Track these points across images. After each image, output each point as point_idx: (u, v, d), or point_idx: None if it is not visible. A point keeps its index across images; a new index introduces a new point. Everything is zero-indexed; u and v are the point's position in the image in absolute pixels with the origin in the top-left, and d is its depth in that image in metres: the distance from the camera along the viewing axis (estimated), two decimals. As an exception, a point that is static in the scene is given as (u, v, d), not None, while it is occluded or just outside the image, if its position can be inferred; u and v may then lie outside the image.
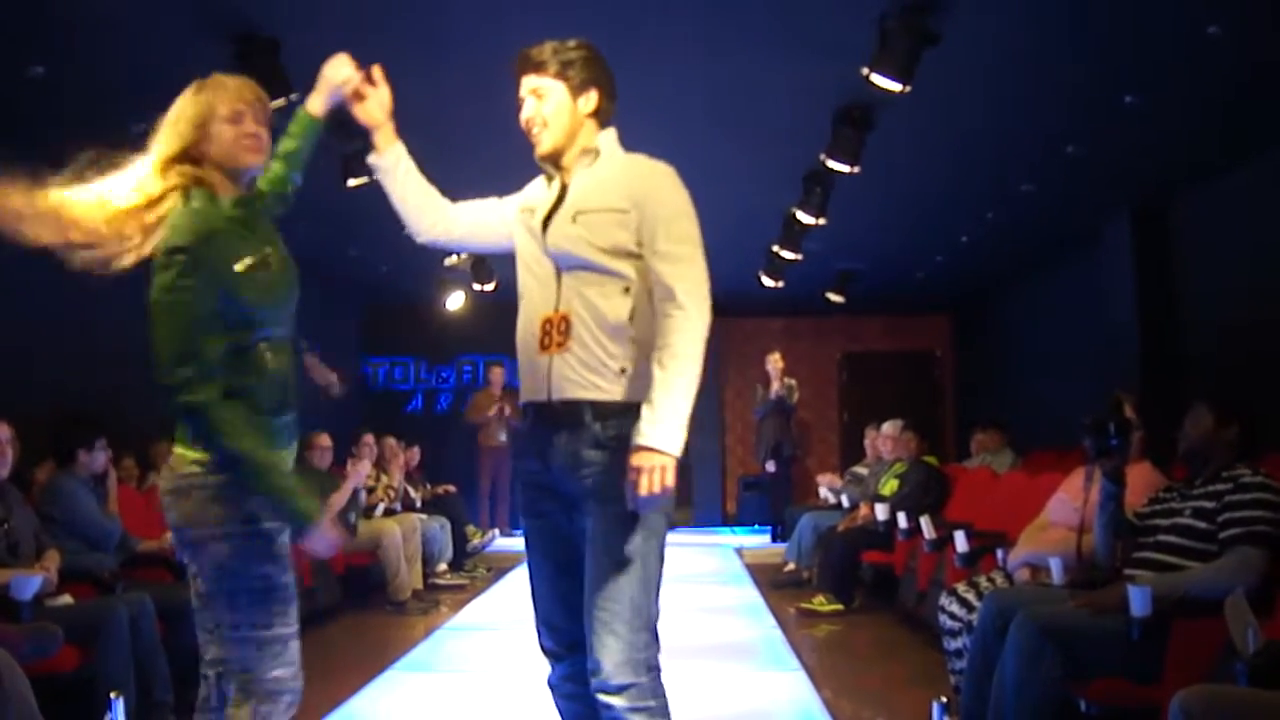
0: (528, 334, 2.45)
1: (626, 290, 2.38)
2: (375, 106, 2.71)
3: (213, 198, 2.27)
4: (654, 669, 2.36)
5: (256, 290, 2.23)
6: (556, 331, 2.38)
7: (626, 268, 2.38)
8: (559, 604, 2.47)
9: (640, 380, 2.33)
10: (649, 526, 2.33)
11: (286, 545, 2.25)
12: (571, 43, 2.54)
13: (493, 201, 2.76)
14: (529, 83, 2.52)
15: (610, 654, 2.30)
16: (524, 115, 2.52)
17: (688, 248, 2.37)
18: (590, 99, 2.50)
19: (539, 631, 2.52)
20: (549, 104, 2.48)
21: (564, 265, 2.42)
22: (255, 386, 2.23)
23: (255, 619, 2.18)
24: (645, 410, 2.26)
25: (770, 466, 10.74)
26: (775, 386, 10.62)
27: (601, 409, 2.34)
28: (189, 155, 2.31)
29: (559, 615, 2.47)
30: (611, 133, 2.57)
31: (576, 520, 2.39)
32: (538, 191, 2.61)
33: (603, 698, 2.31)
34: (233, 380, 2.20)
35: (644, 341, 2.36)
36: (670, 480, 2.23)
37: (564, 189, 2.50)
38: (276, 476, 2.19)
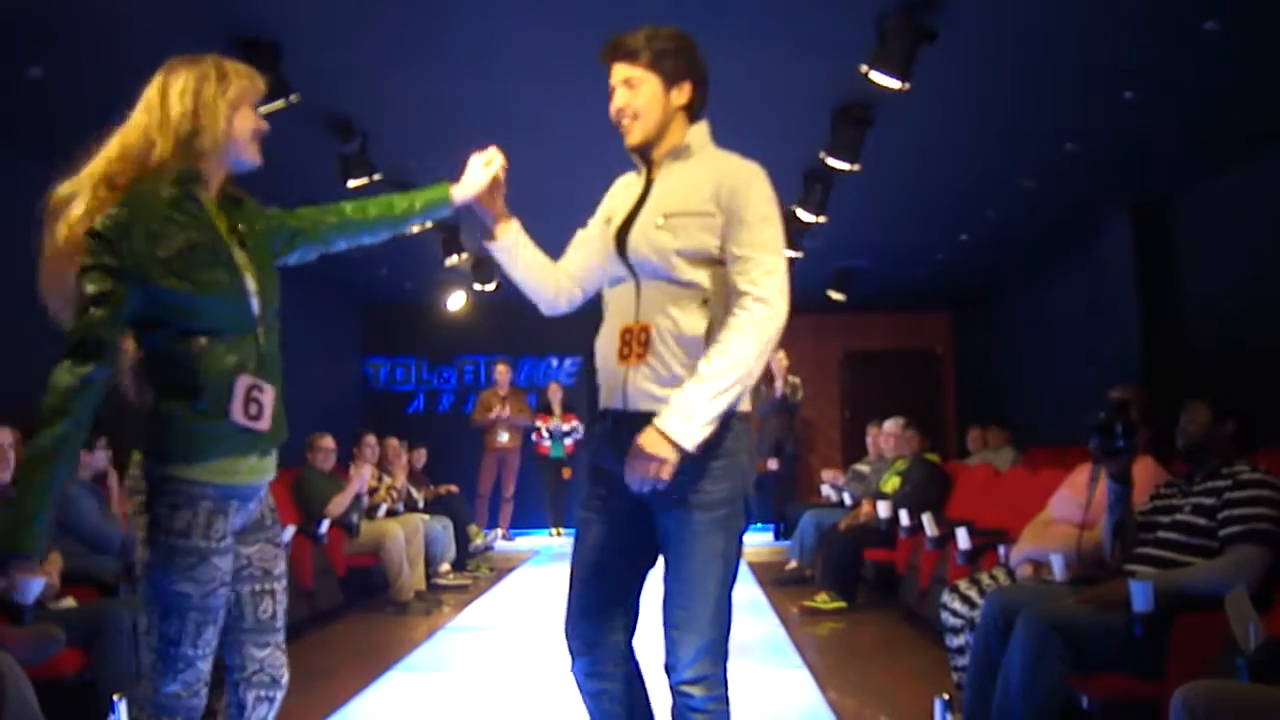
0: (607, 342, 2.45)
1: (705, 303, 2.36)
2: (500, 195, 2.60)
3: (151, 187, 2.13)
4: (725, 664, 2.46)
5: (185, 281, 2.11)
6: (636, 343, 2.37)
7: (705, 278, 2.36)
8: (590, 603, 2.48)
9: None
10: (729, 527, 2.37)
11: (219, 568, 2.16)
12: (665, 31, 2.45)
13: (584, 235, 2.71)
14: (620, 71, 2.46)
15: (688, 648, 2.37)
16: (614, 105, 2.47)
17: (769, 255, 2.32)
18: (684, 91, 2.45)
19: (565, 622, 2.52)
20: (641, 95, 2.43)
21: (642, 273, 2.40)
22: (192, 385, 2.12)
23: (165, 631, 2.12)
24: (675, 395, 2.25)
25: (773, 464, 10.75)
26: (778, 385, 10.62)
27: None
28: (179, 145, 2.17)
29: (587, 614, 2.48)
30: (703, 127, 2.51)
31: (648, 521, 2.40)
32: (619, 198, 2.59)
33: (682, 688, 2.39)
34: (165, 377, 2.13)
35: None
36: (667, 474, 2.23)
37: (649, 186, 2.49)
38: (30, 488, 2.06)
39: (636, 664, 2.55)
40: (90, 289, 2.07)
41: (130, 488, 2.18)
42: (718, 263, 2.35)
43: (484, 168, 2.54)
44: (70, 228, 2.12)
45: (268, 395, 2.23)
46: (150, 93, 2.23)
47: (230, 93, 2.21)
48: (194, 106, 2.18)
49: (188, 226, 2.14)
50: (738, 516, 2.38)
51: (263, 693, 2.31)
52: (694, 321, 2.34)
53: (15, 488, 2.08)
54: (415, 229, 2.59)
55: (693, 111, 2.48)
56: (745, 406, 2.37)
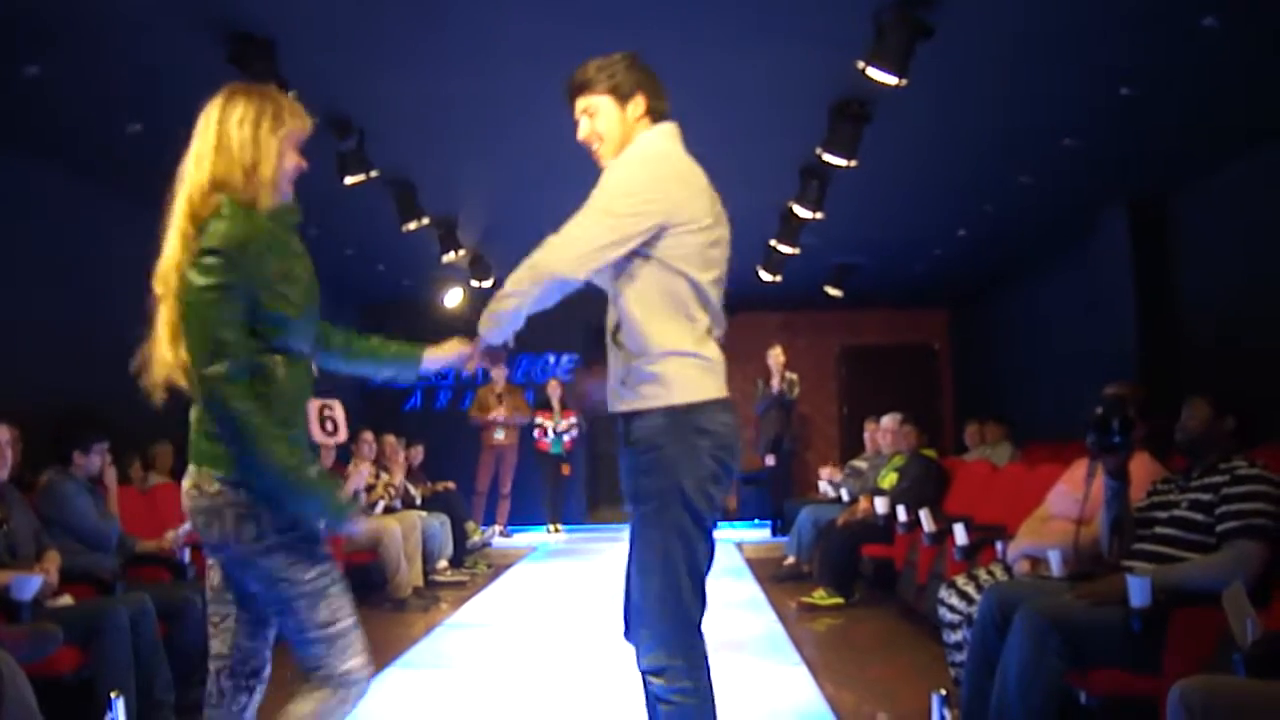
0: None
1: (613, 301, 2.51)
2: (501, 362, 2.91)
3: (250, 209, 2.24)
4: (690, 654, 2.44)
5: (284, 302, 2.23)
6: (610, 342, 2.58)
7: (607, 277, 2.51)
8: (627, 597, 2.57)
9: (641, 387, 2.45)
10: (662, 521, 2.42)
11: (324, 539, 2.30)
12: (612, 57, 2.64)
13: None
14: (580, 104, 2.64)
15: (643, 639, 2.47)
16: (580, 135, 2.64)
17: (586, 214, 2.46)
18: (638, 103, 2.61)
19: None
20: (600, 119, 2.61)
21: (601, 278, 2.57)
22: (268, 396, 2.20)
23: (317, 619, 2.22)
24: None
25: (770, 461, 10.77)
26: (775, 381, 10.62)
27: (625, 418, 2.50)
28: (244, 173, 2.26)
29: (626, 607, 2.57)
30: (657, 128, 2.64)
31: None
32: None
33: (647, 677, 2.48)
34: (253, 387, 2.21)
35: (635, 351, 2.46)
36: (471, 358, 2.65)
37: None
38: (305, 479, 2.17)
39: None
40: (209, 297, 2.15)
41: (211, 508, 2.22)
42: (622, 260, 2.47)
43: (464, 363, 2.76)
44: (179, 273, 2.21)
45: (338, 411, 2.45)
46: (209, 120, 2.31)
47: (283, 130, 2.31)
48: (253, 136, 2.27)
49: (287, 252, 2.28)
50: (671, 508, 2.41)
51: (243, 682, 2.35)
52: (610, 319, 2.54)
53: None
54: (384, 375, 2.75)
55: (654, 119, 2.64)
56: (679, 399, 2.43)
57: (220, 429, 2.16)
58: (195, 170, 2.28)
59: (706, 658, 2.47)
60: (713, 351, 2.58)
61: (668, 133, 2.64)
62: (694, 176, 2.60)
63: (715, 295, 2.63)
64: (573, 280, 2.44)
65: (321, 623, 2.22)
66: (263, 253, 2.20)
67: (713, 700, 2.44)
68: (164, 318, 2.24)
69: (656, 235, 2.45)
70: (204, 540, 2.28)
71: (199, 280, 2.15)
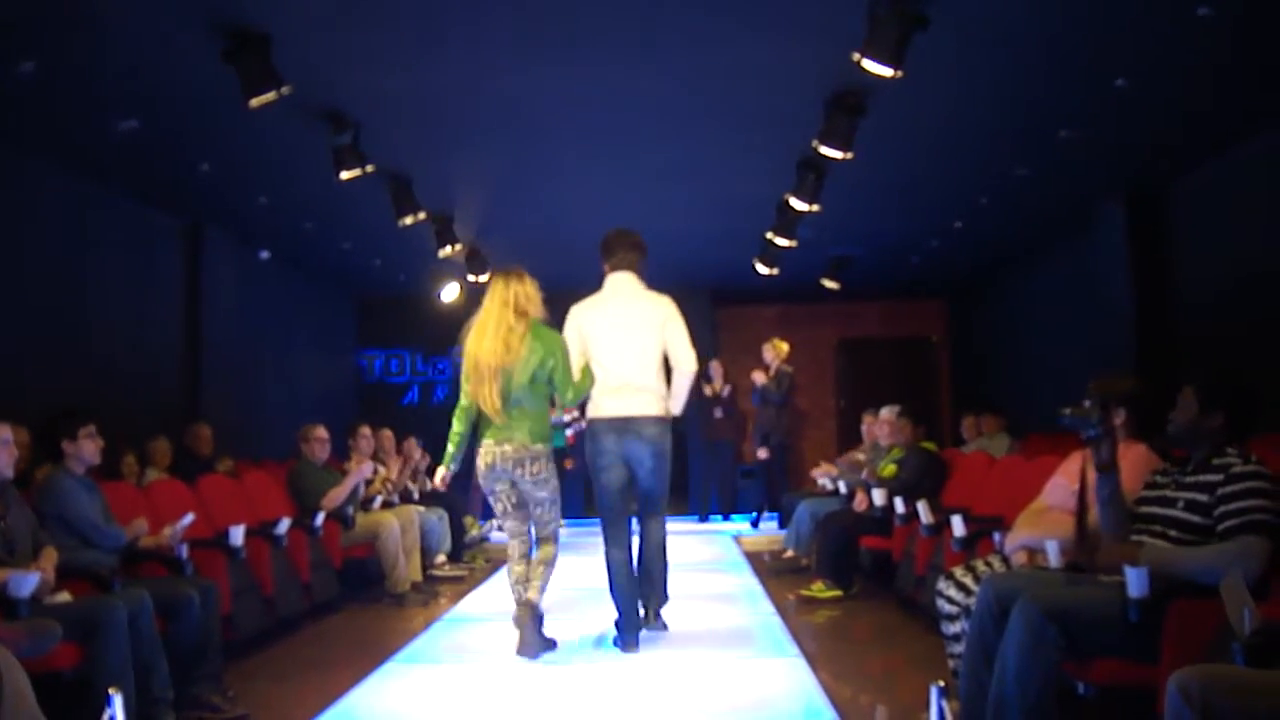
0: None
1: (652, 361, 5.15)
2: None
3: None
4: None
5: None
6: None
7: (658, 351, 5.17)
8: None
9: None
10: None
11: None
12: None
13: None
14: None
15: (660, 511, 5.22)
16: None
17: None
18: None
19: None
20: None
21: None
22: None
23: (559, 502, 4.95)
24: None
25: (762, 454, 10.79)
26: (757, 376, 10.60)
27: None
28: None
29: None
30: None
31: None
32: None
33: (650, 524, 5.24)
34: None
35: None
36: None
37: None
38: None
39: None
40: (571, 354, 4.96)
41: (541, 453, 4.84)
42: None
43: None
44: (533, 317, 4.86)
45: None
46: (530, 288, 4.83)
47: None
48: (539, 299, 4.86)
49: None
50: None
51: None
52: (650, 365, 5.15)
53: None
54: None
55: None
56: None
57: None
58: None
59: None
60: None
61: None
62: None
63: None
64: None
65: (559, 503, 4.97)
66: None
67: None
68: None
69: None
70: (535, 472, 4.80)
71: (559, 355, 4.92)
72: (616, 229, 5.22)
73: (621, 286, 5.09)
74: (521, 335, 4.69)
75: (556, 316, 5.04)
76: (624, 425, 4.92)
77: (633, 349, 4.97)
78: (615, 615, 4.97)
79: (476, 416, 4.92)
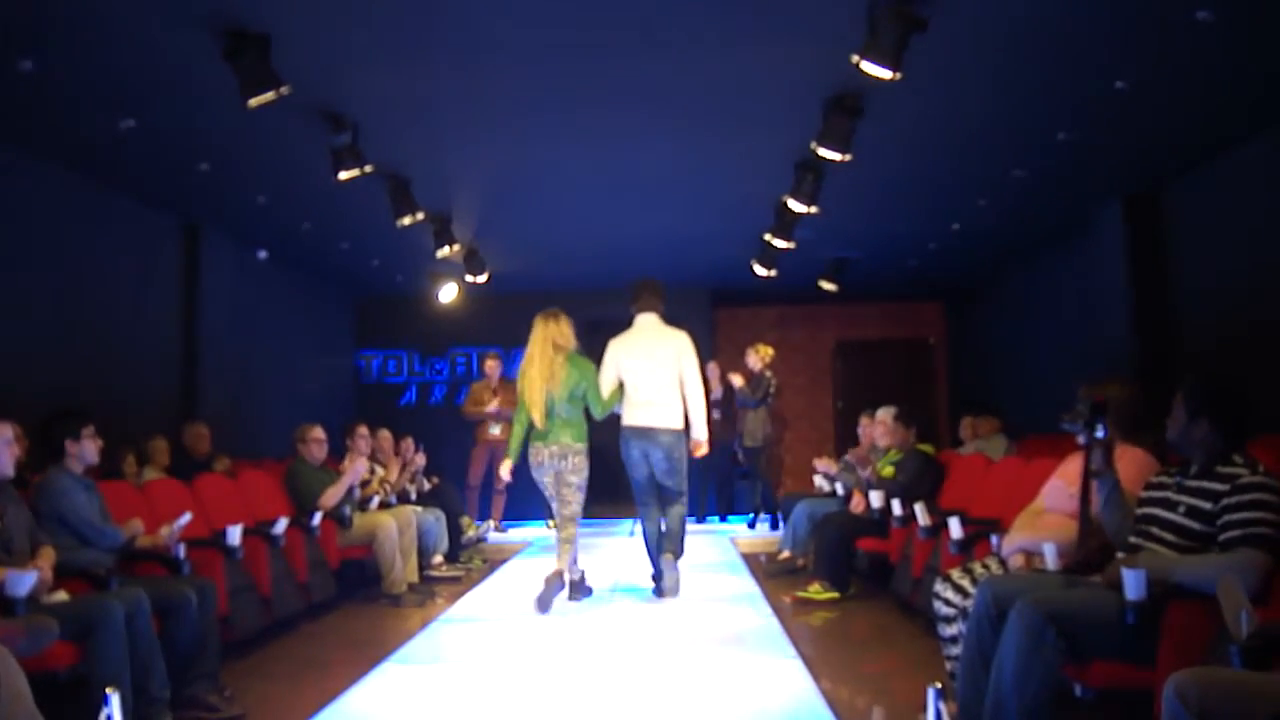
0: None
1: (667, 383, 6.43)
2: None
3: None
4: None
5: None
6: None
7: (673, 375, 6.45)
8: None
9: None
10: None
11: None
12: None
13: None
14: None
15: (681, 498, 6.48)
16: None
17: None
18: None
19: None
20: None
21: None
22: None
23: (584, 490, 6.28)
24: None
25: (740, 458, 10.82)
26: (735, 379, 10.51)
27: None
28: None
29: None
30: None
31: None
32: None
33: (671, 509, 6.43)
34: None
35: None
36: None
37: None
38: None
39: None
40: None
41: (581, 449, 6.17)
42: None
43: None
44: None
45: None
46: (565, 326, 6.17)
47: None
48: (572, 334, 6.14)
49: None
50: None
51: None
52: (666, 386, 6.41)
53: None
54: None
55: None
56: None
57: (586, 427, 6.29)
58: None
59: None
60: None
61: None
62: None
63: None
64: None
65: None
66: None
67: None
68: None
69: None
70: (572, 467, 6.17)
71: (589, 375, 6.23)
72: (643, 278, 6.59)
73: (647, 325, 6.50)
74: (562, 364, 6.10)
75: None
76: (645, 433, 6.30)
77: (655, 375, 6.33)
78: (651, 571, 6.52)
79: (529, 425, 6.19)
